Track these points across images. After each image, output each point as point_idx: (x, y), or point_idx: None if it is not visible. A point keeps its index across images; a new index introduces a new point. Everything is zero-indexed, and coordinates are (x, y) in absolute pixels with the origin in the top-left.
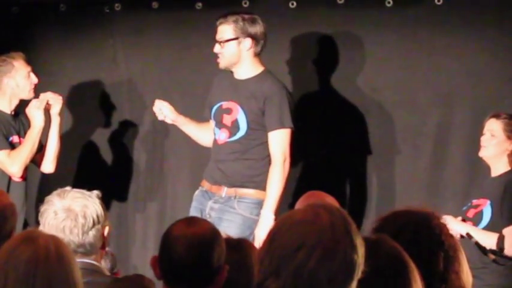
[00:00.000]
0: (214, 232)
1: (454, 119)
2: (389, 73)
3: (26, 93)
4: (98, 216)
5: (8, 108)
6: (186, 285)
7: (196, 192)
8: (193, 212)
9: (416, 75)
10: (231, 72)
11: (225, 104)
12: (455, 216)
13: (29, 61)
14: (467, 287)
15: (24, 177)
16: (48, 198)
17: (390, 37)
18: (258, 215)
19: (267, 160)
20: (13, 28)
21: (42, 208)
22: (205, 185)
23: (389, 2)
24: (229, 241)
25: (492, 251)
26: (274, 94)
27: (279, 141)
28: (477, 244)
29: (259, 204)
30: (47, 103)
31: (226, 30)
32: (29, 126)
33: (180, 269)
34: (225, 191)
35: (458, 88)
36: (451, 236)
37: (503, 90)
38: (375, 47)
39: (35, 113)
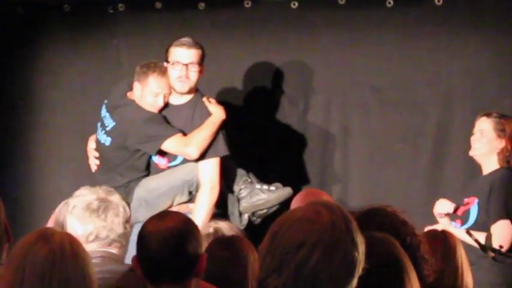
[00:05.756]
0: (186, 223)
1: (454, 118)
2: (390, 73)
3: (147, 108)
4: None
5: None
6: (167, 279)
7: None
8: None
9: (417, 75)
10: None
11: None
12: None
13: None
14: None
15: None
16: (82, 192)
17: (391, 37)
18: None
19: None
20: (17, 28)
21: (74, 202)
22: None
23: (389, 3)
24: (222, 238)
25: (491, 249)
26: None
27: (208, 168)
28: (477, 242)
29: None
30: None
31: (199, 54)
32: None
33: (158, 264)
34: (175, 208)
35: (458, 88)
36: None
37: (503, 90)
38: (375, 46)
39: (214, 107)
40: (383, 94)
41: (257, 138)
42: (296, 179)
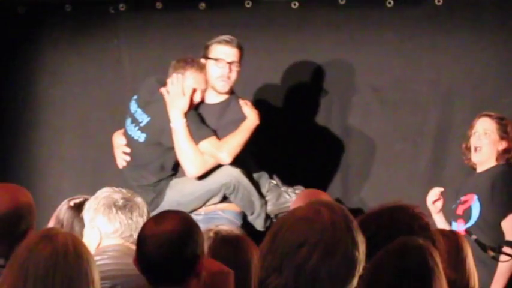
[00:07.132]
0: (184, 225)
1: (454, 118)
2: (390, 73)
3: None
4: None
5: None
6: (167, 280)
7: None
8: None
9: (417, 75)
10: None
11: None
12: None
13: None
14: None
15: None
16: (106, 191)
17: (391, 37)
18: (240, 220)
19: None
20: (19, 28)
21: (97, 200)
22: None
23: (390, 2)
24: (225, 238)
25: (491, 248)
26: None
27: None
28: (477, 241)
29: (239, 214)
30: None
31: (240, 54)
32: None
33: (157, 267)
34: (203, 209)
35: (458, 88)
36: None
37: (503, 90)
38: (375, 46)
39: (249, 111)
40: (383, 94)
41: (257, 138)
42: (296, 178)
